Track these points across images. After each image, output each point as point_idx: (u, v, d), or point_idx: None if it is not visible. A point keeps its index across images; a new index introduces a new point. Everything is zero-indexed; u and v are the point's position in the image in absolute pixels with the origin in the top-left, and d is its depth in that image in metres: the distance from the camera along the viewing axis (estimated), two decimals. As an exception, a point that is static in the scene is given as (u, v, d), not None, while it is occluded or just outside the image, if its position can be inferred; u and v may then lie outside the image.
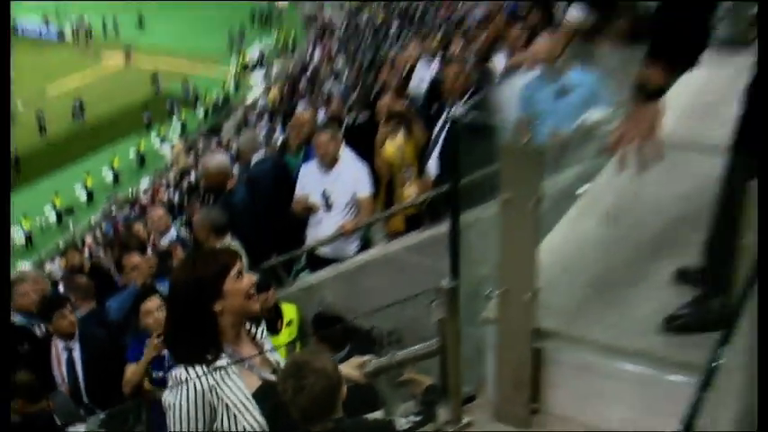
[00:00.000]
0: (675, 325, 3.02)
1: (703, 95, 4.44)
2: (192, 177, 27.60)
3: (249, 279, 3.27)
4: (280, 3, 48.14)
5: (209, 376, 3.07)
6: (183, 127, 37.07)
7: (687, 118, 4.13)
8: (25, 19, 42.00)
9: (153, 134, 36.02)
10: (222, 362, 3.13)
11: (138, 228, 10.73)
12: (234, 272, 3.23)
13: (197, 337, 3.16)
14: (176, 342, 3.25)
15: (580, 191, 3.93)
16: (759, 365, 2.28)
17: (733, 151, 2.98)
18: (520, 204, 2.85)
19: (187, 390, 3.06)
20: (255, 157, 7.90)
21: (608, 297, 3.28)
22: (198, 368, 3.07)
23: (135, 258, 5.93)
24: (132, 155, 34.97)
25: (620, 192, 3.84)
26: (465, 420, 3.17)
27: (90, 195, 32.32)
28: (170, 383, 3.14)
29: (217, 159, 7.50)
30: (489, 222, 3.17)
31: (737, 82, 2.89)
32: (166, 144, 35.47)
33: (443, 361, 3.15)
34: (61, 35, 44.01)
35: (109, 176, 33.58)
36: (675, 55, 2.90)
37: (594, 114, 5.15)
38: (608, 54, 5.96)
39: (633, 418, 2.87)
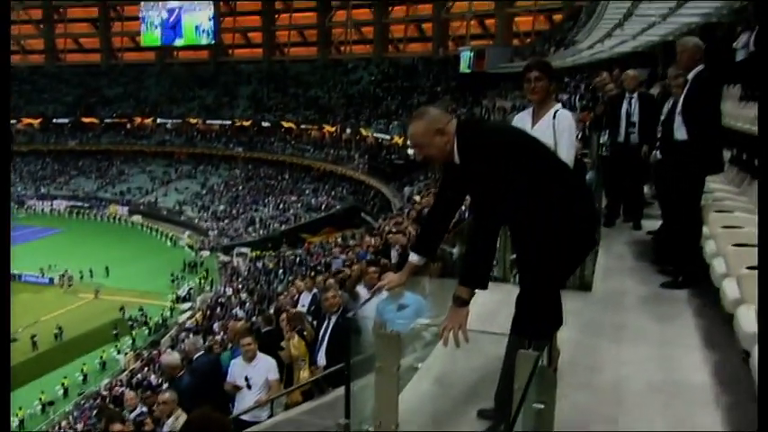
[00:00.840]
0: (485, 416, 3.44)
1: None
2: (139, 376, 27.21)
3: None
4: (203, 252, 48.29)
5: None
6: (134, 341, 36.18)
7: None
8: (27, 271, 42.96)
9: (111, 348, 35.36)
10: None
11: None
12: None
13: None
14: None
15: (419, 366, 4.37)
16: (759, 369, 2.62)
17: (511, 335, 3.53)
18: (387, 369, 3.26)
19: None
20: (197, 355, 7.97)
21: (441, 427, 3.70)
22: None
23: (118, 426, 5.92)
24: (97, 362, 33.98)
25: (441, 366, 4.36)
26: None
27: (66, 392, 31.46)
28: None
29: (172, 357, 7.65)
30: (368, 387, 3.56)
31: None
32: (121, 354, 34.64)
33: None
34: (51, 281, 44.12)
35: (80, 378, 32.43)
36: (475, 283, 3.45)
37: (421, 321, 5.59)
38: (429, 283, 6.52)
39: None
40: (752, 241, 4.21)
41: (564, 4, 49.86)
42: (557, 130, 4.32)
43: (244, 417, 6.70)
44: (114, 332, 36.99)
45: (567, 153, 4.23)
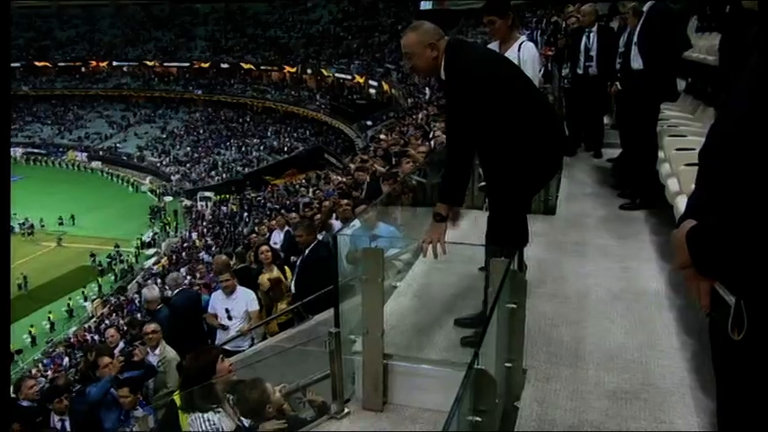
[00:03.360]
0: (467, 342, 3.72)
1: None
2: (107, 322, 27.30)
3: (228, 362, 3.99)
4: (166, 198, 47.86)
5: (213, 416, 3.68)
6: (100, 288, 36.10)
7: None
8: None
9: (78, 295, 35.24)
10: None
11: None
12: (219, 359, 3.94)
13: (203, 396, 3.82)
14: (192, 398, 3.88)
15: (397, 284, 4.67)
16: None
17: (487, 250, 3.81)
18: (372, 281, 3.50)
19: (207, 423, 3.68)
20: (177, 290, 8.17)
21: (421, 336, 4.00)
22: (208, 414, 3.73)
23: (106, 359, 6.11)
24: (63, 310, 33.97)
25: (418, 283, 4.67)
26: (345, 411, 3.54)
27: (33, 340, 31.26)
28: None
29: (152, 292, 7.86)
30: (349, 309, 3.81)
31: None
32: (88, 302, 34.58)
33: (333, 377, 3.69)
34: (11, 229, 43.15)
35: (47, 326, 32.33)
36: (452, 199, 3.70)
37: (393, 251, 5.87)
38: (401, 213, 6.78)
39: (441, 401, 3.17)
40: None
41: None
42: (521, 60, 4.53)
43: (226, 347, 6.89)
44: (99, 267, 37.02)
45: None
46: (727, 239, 1.47)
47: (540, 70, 6.96)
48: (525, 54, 4.58)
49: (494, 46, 4.61)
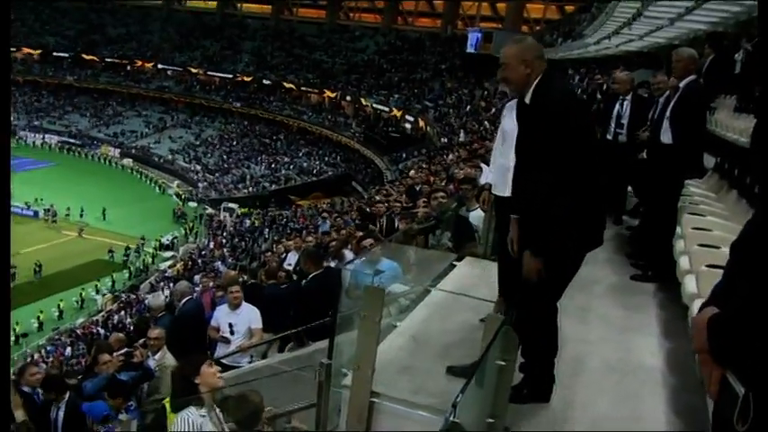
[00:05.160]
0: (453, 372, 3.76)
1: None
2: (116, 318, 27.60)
3: (215, 368, 4.07)
4: (191, 203, 48.34)
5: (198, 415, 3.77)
6: (113, 283, 36.46)
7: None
8: (13, 201, 42.41)
9: (90, 288, 35.57)
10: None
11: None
12: (206, 363, 4.03)
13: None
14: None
15: (397, 324, 4.72)
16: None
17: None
18: (370, 319, 3.56)
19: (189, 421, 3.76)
20: (185, 299, 8.27)
21: (412, 379, 4.03)
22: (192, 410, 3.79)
23: (107, 356, 6.21)
24: (74, 300, 34.38)
25: (418, 325, 4.71)
26: (328, 443, 3.64)
27: (41, 325, 31.66)
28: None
29: (157, 299, 7.98)
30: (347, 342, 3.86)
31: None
32: (99, 295, 34.91)
33: (318, 407, 3.75)
34: (36, 214, 44.05)
35: (55, 314, 32.66)
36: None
37: (397, 287, 5.90)
38: (414, 253, 6.83)
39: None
40: (717, 243, 4.54)
41: (577, -4, 49.84)
42: None
43: (224, 361, 6.98)
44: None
45: None
46: (743, 332, 1.54)
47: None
48: None
49: (514, 104, 4.60)
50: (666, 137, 6.01)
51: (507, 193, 4.26)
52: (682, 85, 5.99)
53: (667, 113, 6.04)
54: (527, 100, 3.61)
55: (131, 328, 16.45)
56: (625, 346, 4.65)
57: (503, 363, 3.12)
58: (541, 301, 3.74)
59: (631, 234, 7.46)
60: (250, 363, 7.05)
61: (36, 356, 26.68)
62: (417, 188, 12.54)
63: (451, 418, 2.28)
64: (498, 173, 4.45)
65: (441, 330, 4.56)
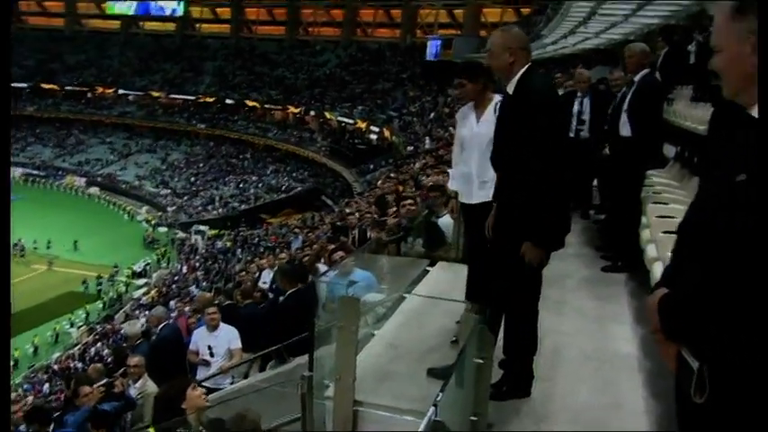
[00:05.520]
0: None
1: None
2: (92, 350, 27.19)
3: (199, 390, 4.08)
4: (160, 229, 47.85)
5: None
6: (87, 315, 35.94)
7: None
8: None
9: (64, 321, 35.08)
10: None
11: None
12: (191, 387, 4.03)
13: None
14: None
15: (375, 333, 4.74)
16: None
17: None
18: (347, 328, 3.58)
19: None
20: (162, 325, 8.21)
21: (394, 384, 4.07)
22: None
23: (87, 389, 6.14)
24: (49, 335, 33.93)
25: (395, 332, 4.75)
26: (315, 453, 3.63)
27: (16, 363, 30.87)
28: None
29: (133, 327, 7.92)
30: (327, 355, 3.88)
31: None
32: (74, 328, 34.44)
33: (303, 420, 3.75)
34: None
35: (30, 350, 32.11)
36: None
37: (370, 296, 5.92)
38: (387, 261, 6.88)
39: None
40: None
41: (532, -2, 50.51)
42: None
43: (206, 384, 6.87)
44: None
45: None
46: (692, 309, 1.61)
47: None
48: None
49: (468, 109, 4.54)
50: (625, 130, 6.15)
51: (474, 200, 4.35)
52: (636, 78, 6.14)
53: (625, 107, 6.18)
54: (510, 90, 3.69)
55: (109, 360, 16.25)
56: (601, 336, 4.75)
57: (480, 361, 3.17)
58: (525, 298, 3.79)
59: (599, 227, 7.60)
60: (232, 384, 7.00)
61: (14, 396, 26.14)
62: (386, 198, 12.60)
63: (434, 418, 2.32)
64: (461, 181, 4.50)
65: (418, 335, 4.61)
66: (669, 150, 7.89)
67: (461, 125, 4.53)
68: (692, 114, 7.28)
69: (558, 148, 3.58)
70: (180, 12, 66.37)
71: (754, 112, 1.64)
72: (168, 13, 66.74)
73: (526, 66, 3.69)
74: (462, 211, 4.83)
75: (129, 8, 67.64)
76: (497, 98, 4.52)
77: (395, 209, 8.86)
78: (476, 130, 4.38)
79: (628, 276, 6.03)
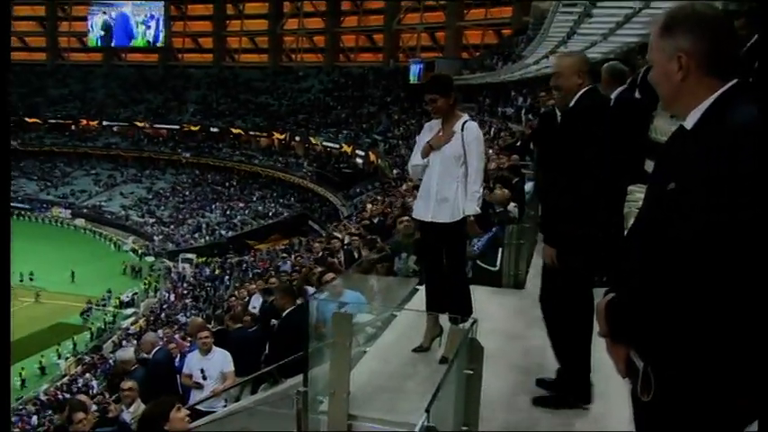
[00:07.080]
0: None
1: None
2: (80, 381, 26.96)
3: (184, 412, 4.14)
4: (147, 258, 47.64)
5: None
6: (75, 346, 35.64)
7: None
8: None
9: (52, 352, 34.69)
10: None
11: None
12: (174, 408, 4.09)
13: None
14: None
15: (367, 350, 4.82)
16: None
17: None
18: (341, 344, 3.68)
19: None
20: (155, 349, 8.21)
21: (386, 399, 4.15)
22: None
23: (81, 415, 6.16)
24: (36, 367, 33.47)
25: (387, 348, 4.84)
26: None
27: (3, 397, 30.56)
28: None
29: (127, 352, 7.94)
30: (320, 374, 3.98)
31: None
32: (62, 359, 34.10)
33: None
34: None
35: (17, 383, 31.66)
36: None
37: (361, 316, 5.98)
38: (377, 282, 6.96)
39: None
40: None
41: (512, 19, 51.16)
42: (465, 141, 4.45)
43: (199, 407, 6.88)
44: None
45: (477, 163, 4.46)
46: (633, 311, 1.72)
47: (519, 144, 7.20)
48: (468, 134, 4.47)
49: (435, 123, 4.60)
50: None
51: (429, 218, 4.47)
52: (613, 96, 6.30)
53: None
54: (571, 104, 3.87)
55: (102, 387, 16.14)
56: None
57: (470, 372, 3.26)
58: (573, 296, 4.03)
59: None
60: (225, 407, 7.02)
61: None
62: (375, 221, 12.69)
63: (426, 423, 2.41)
64: (431, 200, 4.49)
65: (410, 350, 4.67)
66: (650, 166, 8.06)
67: (426, 137, 4.60)
68: (671, 130, 7.43)
69: (615, 153, 3.98)
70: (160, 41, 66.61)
71: (687, 124, 1.77)
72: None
73: (589, 86, 3.89)
74: (418, 226, 4.93)
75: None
76: (465, 116, 4.64)
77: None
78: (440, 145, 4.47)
79: (614, 290, 6.13)
